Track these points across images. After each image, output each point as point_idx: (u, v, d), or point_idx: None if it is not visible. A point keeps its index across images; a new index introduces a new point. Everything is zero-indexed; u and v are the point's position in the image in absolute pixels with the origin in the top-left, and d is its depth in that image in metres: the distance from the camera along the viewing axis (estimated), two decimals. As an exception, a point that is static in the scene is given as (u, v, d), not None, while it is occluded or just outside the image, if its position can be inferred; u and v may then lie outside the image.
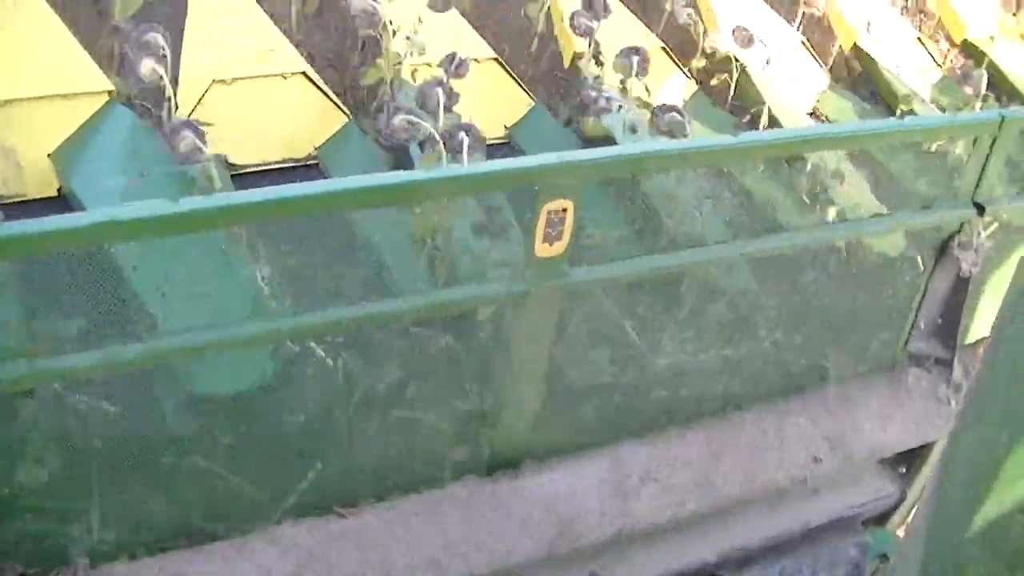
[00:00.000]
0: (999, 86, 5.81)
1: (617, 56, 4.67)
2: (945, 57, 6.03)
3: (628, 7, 5.30)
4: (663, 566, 3.96)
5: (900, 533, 4.57)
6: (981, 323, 4.45)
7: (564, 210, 3.05)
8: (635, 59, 4.62)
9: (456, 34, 4.72)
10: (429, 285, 3.63)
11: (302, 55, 4.48)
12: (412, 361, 3.32)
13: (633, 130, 4.43)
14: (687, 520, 3.80)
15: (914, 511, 2.41)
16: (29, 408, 2.96)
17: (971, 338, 4.46)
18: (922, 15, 6.22)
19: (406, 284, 3.50)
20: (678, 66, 5.07)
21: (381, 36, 4.38)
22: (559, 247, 3.11)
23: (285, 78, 4.31)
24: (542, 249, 3.10)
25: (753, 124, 5.09)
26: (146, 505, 3.13)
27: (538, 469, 3.60)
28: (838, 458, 3.99)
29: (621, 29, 5.08)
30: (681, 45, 5.37)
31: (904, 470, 4.57)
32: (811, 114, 5.37)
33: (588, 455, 3.70)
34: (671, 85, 5.08)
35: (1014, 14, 6.24)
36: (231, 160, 4.14)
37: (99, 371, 2.87)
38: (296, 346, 3.17)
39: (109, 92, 4.06)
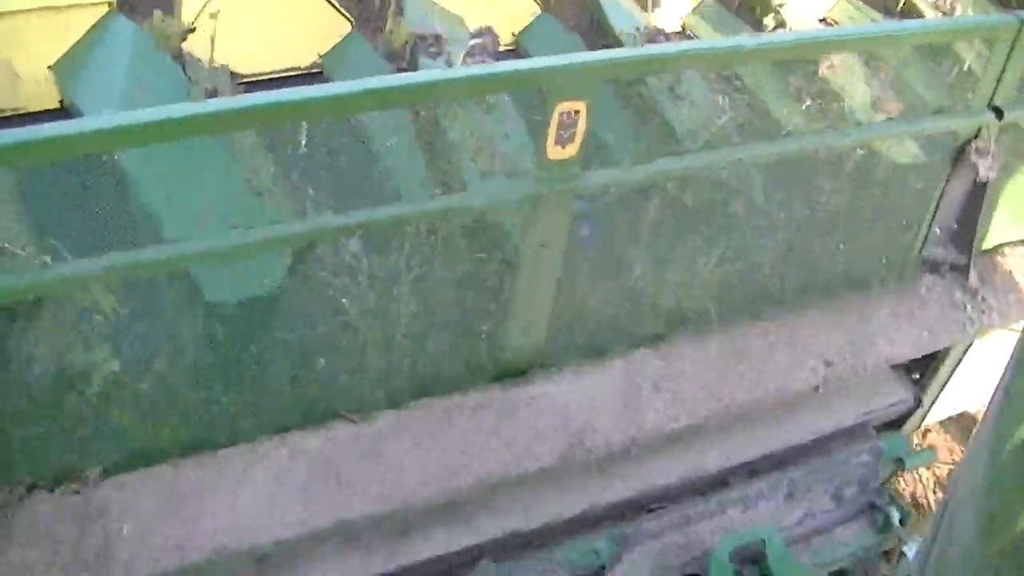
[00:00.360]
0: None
1: None
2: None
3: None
4: (674, 476, 3.97)
5: (915, 439, 4.58)
6: (997, 229, 4.42)
7: (576, 112, 3.00)
8: None
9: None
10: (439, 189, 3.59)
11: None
12: (422, 267, 3.28)
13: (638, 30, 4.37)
14: (698, 429, 3.78)
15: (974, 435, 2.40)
16: (35, 319, 2.94)
17: (987, 244, 4.42)
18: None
19: (416, 189, 3.46)
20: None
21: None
22: (571, 149, 3.07)
23: (287, -13, 4.24)
24: (554, 152, 3.05)
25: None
26: (158, 415, 3.12)
27: (549, 378, 3.58)
28: (851, 364, 3.96)
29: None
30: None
31: (918, 376, 4.56)
32: (822, 20, 5.28)
33: (599, 364, 3.68)
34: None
35: None
36: (235, 69, 4.09)
37: (104, 281, 2.83)
38: (305, 251, 3.14)
39: (109, 3, 3.99)
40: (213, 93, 3.86)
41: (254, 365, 3.19)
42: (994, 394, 2.46)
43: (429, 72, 3.36)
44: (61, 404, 2.99)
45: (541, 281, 3.37)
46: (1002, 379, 2.36)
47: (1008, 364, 2.34)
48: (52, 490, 3.00)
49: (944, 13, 5.35)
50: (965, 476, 2.46)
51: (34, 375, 2.95)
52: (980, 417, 5.70)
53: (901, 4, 5.36)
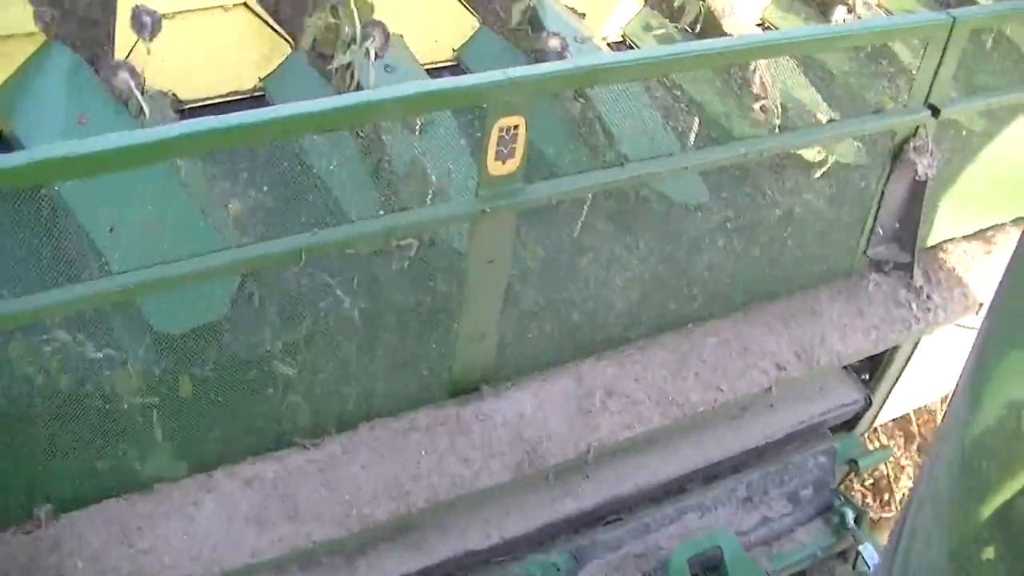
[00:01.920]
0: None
1: None
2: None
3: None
4: (630, 484, 3.96)
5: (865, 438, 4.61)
6: (939, 226, 4.46)
7: (516, 127, 3.00)
8: None
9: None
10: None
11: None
12: (369, 287, 3.28)
13: (581, 41, 4.37)
14: (652, 436, 3.79)
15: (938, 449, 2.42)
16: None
17: (930, 242, 4.46)
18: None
19: (359, 209, 3.45)
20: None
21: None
22: (512, 164, 3.07)
23: (226, 10, 4.22)
24: (495, 167, 3.05)
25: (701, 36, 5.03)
26: (108, 448, 3.10)
27: (501, 392, 3.59)
28: (802, 366, 3.99)
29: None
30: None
31: (868, 376, 4.59)
32: (759, 25, 5.31)
33: (550, 375, 3.69)
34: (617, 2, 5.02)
35: None
36: (177, 95, 4.07)
37: (47, 313, 2.82)
38: (251, 277, 3.13)
39: (47, 33, 3.96)
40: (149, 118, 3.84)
41: (203, 393, 3.17)
42: (954, 392, 2.48)
43: (366, 92, 3.35)
44: (8, 443, 2.97)
45: (489, 296, 3.37)
46: (962, 376, 2.38)
47: (967, 362, 2.35)
48: (3, 530, 2.97)
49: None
50: (929, 476, 2.47)
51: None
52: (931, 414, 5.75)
53: None
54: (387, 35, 3.98)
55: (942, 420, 2.80)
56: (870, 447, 5.54)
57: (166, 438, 3.17)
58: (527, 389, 3.61)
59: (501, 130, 2.99)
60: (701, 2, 5.01)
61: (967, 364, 2.33)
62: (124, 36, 4.04)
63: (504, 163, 3.06)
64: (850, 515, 4.32)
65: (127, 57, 3.96)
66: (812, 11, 5.32)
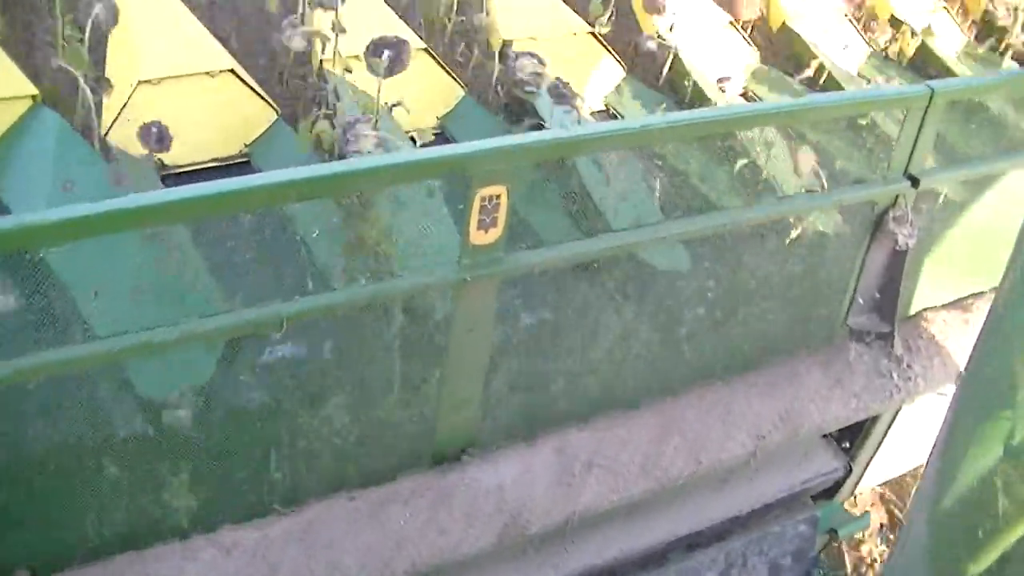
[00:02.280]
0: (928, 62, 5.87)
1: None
2: (872, 33, 6.06)
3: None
4: (611, 552, 3.96)
5: (847, 506, 4.61)
6: (919, 295, 4.49)
7: (498, 196, 3.03)
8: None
9: (384, 25, 4.68)
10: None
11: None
12: (352, 355, 3.29)
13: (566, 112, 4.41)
14: (634, 504, 3.79)
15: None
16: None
17: (911, 311, 4.49)
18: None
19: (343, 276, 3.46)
20: (607, 50, 5.05)
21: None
22: (494, 234, 3.09)
23: (212, 76, 4.25)
24: (477, 236, 3.08)
25: (685, 105, 5.09)
26: (88, 513, 3.09)
27: (483, 459, 3.58)
28: (782, 435, 4.00)
29: (543, 11, 5.10)
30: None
31: (848, 444, 4.60)
32: (742, 95, 5.37)
33: (532, 443, 3.68)
34: (601, 69, 5.07)
35: None
36: (162, 160, 4.08)
37: (31, 376, 2.82)
38: (235, 343, 3.14)
39: (34, 96, 3.99)
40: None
41: (185, 458, 3.17)
42: (927, 462, 2.50)
43: (351, 161, 3.38)
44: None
45: (471, 364, 3.38)
46: (934, 446, 2.40)
47: (939, 433, 2.38)
48: None
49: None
50: (901, 546, 2.49)
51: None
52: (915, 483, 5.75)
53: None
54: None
55: (915, 490, 2.82)
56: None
57: (146, 503, 3.16)
58: (509, 457, 3.61)
59: (483, 199, 3.01)
60: (687, 77, 5.08)
61: (938, 435, 2.35)
62: (113, 97, 4.08)
63: (486, 232, 3.08)
64: (831, 584, 4.33)
65: (114, 122, 4.00)
66: (795, 83, 5.39)
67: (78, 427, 3.03)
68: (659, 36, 5.22)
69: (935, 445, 2.39)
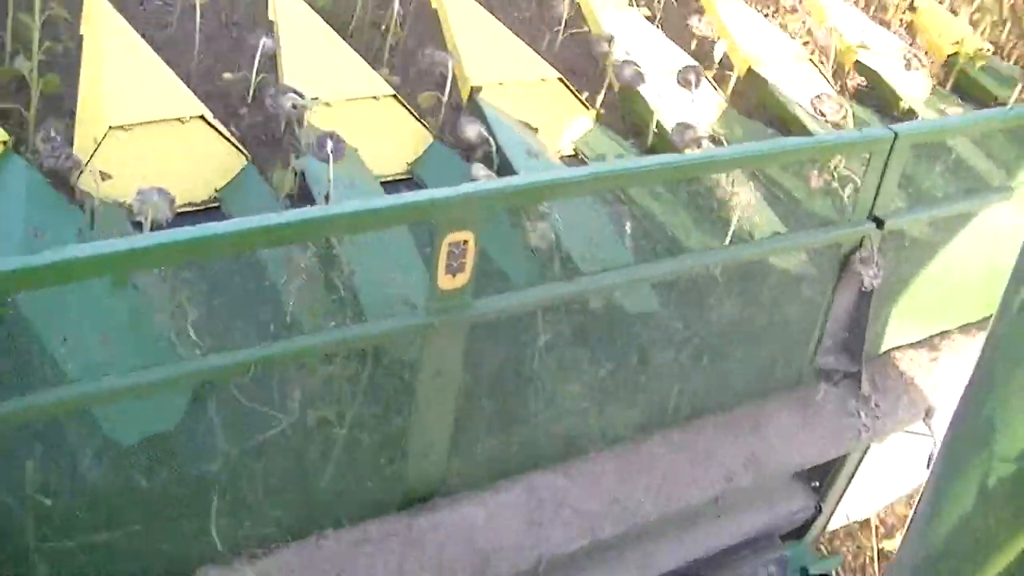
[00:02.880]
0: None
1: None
2: (836, 73, 6.13)
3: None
4: (583, 594, 3.97)
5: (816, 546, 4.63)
6: (886, 334, 4.53)
7: (465, 242, 3.06)
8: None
9: (354, 71, 4.73)
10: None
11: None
12: (320, 399, 3.30)
13: (534, 156, 4.45)
14: (603, 545, 3.81)
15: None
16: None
17: (877, 350, 4.53)
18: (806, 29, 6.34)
19: (311, 321, 3.48)
20: (575, 96, 5.10)
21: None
22: (462, 279, 3.12)
23: (183, 122, 4.28)
24: (445, 281, 3.10)
25: (651, 150, 5.14)
26: (53, 558, 3.08)
27: (453, 502, 3.59)
28: (751, 475, 4.02)
29: (512, 57, 5.15)
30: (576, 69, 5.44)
31: (817, 483, 4.63)
32: (710, 138, 5.42)
33: (502, 485, 3.70)
34: (570, 115, 5.12)
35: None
36: (132, 207, 4.09)
37: (3, 423, 2.83)
38: (204, 387, 3.15)
39: (3, 142, 4.01)
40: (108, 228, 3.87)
41: (154, 502, 3.17)
42: (918, 503, 2.51)
43: (321, 208, 3.41)
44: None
45: (439, 407, 3.40)
46: (925, 488, 2.41)
47: (929, 475, 2.39)
48: None
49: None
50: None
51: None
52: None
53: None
54: (341, 144, 4.05)
55: (904, 532, 2.83)
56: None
57: (115, 547, 3.16)
58: (479, 499, 3.62)
59: (451, 245, 3.04)
60: (653, 121, 5.14)
61: (929, 477, 2.37)
62: (82, 142, 4.09)
63: (454, 277, 3.10)
64: (801, 626, 4.35)
65: (85, 166, 4.01)
66: (758, 125, 5.45)
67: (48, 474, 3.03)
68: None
69: (924, 488, 2.40)
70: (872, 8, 6.82)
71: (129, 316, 3.47)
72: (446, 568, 3.45)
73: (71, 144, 4.12)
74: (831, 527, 4.93)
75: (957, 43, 6.36)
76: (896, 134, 3.91)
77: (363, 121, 4.47)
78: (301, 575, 3.28)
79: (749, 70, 5.76)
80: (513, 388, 3.68)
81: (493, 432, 3.69)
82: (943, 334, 4.83)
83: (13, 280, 2.62)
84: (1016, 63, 6.66)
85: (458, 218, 3.02)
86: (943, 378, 4.58)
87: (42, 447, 3.01)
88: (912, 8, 6.86)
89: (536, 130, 4.78)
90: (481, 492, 3.65)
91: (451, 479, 3.60)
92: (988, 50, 6.39)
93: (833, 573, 5.76)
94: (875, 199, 4.05)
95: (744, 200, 4.37)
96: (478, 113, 4.72)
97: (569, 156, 5.05)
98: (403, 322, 3.24)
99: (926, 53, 6.56)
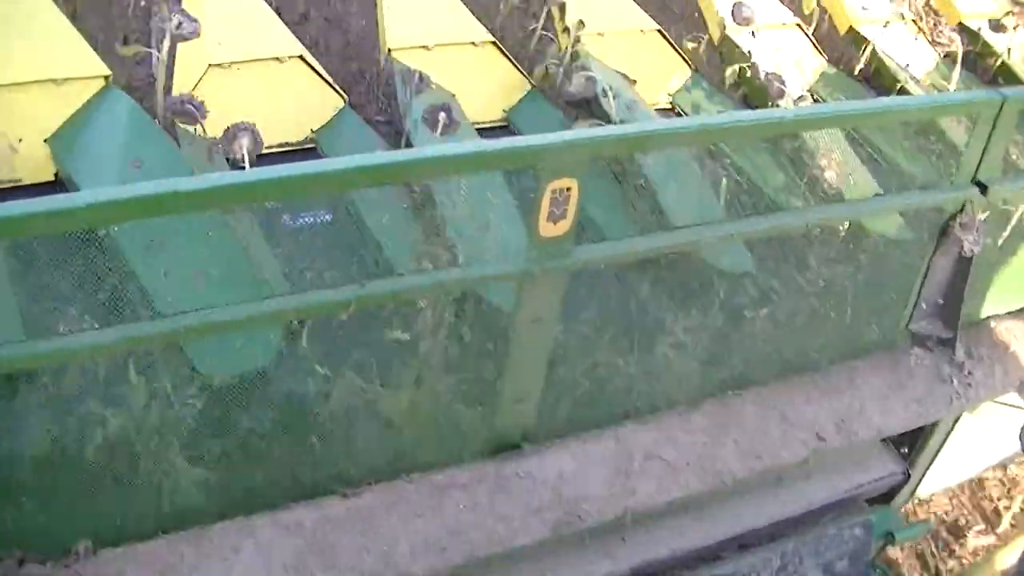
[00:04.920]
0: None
1: None
2: (935, 39, 6.01)
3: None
4: (666, 549, 3.95)
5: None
6: (983, 303, 4.45)
7: (568, 189, 3.03)
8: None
9: (455, 17, 4.71)
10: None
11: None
12: (416, 342, 3.30)
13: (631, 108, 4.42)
14: (690, 501, 3.79)
15: None
16: (30, 392, 2.95)
17: (973, 318, 4.45)
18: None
19: (409, 263, 3.49)
20: (673, 48, 5.05)
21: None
22: (563, 226, 3.09)
23: (281, 61, 4.29)
24: (546, 228, 3.08)
25: (749, 105, 5.08)
26: (150, 489, 3.12)
27: (541, 451, 3.59)
28: (841, 438, 3.97)
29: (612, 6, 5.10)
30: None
31: (907, 449, 4.57)
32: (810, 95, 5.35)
33: (591, 437, 3.68)
34: (667, 67, 5.07)
35: None
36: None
37: (99, 353, 2.85)
38: (300, 326, 3.16)
39: (106, 77, 4.04)
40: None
41: (247, 439, 3.20)
42: None
43: (421, 149, 3.39)
44: (53, 477, 2.99)
45: (533, 356, 3.38)
46: None
47: None
48: (44, 563, 2.99)
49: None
50: None
51: (29, 446, 2.96)
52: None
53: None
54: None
55: None
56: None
57: (208, 480, 3.19)
58: (567, 449, 3.61)
59: (553, 192, 3.01)
60: (749, 73, 5.07)
61: None
62: (182, 81, 4.11)
63: (556, 224, 3.08)
64: (885, 588, 4.31)
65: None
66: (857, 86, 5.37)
67: (142, 406, 3.06)
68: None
69: None
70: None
71: (226, 251, 3.50)
72: (532, 515, 3.44)
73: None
74: (919, 494, 4.87)
75: None
76: (1004, 99, 3.82)
77: (461, 66, 4.46)
78: (388, 515, 3.30)
79: (850, 28, 5.66)
80: (606, 340, 3.66)
81: (585, 382, 3.68)
82: (1042, 304, 4.74)
83: (112, 211, 2.62)
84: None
85: (562, 165, 2.99)
86: (1040, 349, 4.51)
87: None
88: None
89: (634, 82, 4.73)
90: (570, 442, 3.64)
91: (542, 427, 3.59)
92: None
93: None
94: (979, 164, 3.96)
95: (844, 160, 4.31)
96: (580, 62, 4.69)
97: (665, 109, 5.01)
98: (504, 268, 3.22)
99: None
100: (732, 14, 5.16)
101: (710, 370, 3.93)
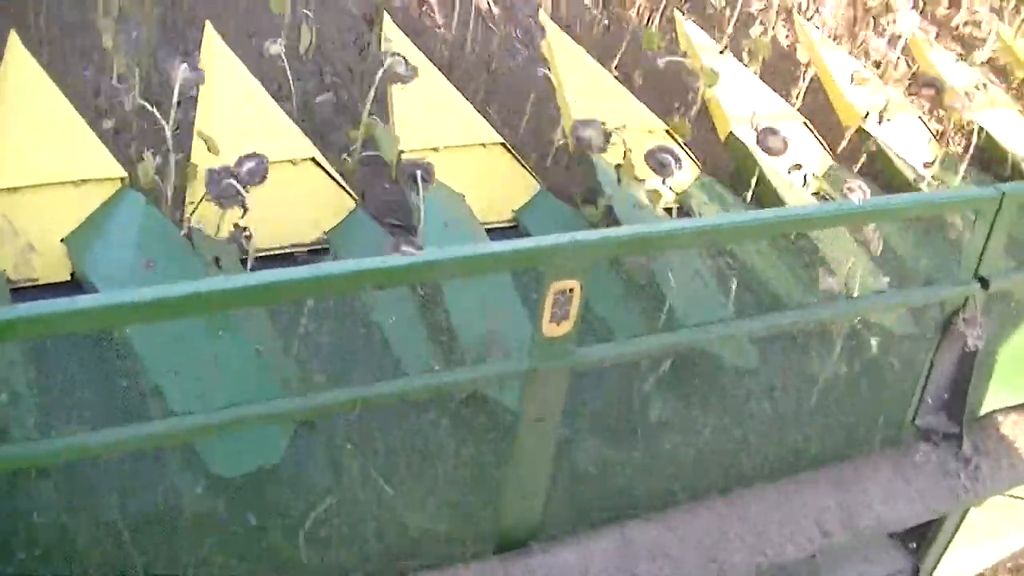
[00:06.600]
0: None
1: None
2: (943, 134, 6.06)
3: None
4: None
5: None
6: (989, 396, 4.47)
7: (571, 290, 3.08)
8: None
9: (464, 119, 4.79)
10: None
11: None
12: (419, 441, 3.34)
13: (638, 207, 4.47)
14: (698, 598, 3.79)
15: None
16: (40, 488, 3.00)
17: (979, 412, 4.47)
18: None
19: (413, 364, 3.53)
20: (681, 146, 5.12)
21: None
22: (566, 326, 3.14)
23: (295, 164, 4.37)
24: (549, 328, 3.12)
25: (757, 204, 5.13)
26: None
27: (547, 549, 3.59)
28: (847, 533, 3.98)
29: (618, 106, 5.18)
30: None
31: (915, 544, 4.56)
32: (815, 194, 5.40)
33: (596, 534, 3.69)
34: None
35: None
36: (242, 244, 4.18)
37: (110, 451, 2.90)
38: (306, 425, 3.20)
39: (122, 179, 4.12)
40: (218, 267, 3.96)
41: (253, 535, 3.23)
42: None
43: (429, 252, 3.45)
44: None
45: (538, 454, 3.41)
46: None
47: None
48: None
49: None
50: None
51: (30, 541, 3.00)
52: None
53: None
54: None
55: None
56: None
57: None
58: (573, 546, 3.62)
59: (557, 292, 3.06)
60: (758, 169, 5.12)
61: None
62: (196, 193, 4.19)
63: (559, 324, 3.12)
64: None
65: (198, 204, 4.11)
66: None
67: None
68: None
69: None
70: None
71: (237, 351, 3.54)
72: (539, 614, 3.45)
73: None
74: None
75: None
76: (1003, 194, 3.87)
77: (471, 167, 4.53)
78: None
79: (859, 128, 5.71)
80: (612, 437, 3.69)
81: (589, 480, 3.70)
82: (1048, 397, 4.75)
83: (126, 312, 2.67)
84: None
85: (565, 266, 3.04)
86: (1048, 442, 4.51)
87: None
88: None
89: (642, 181, 4.79)
90: (575, 539, 3.65)
91: (546, 525, 3.61)
92: None
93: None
94: (980, 258, 4.01)
95: (846, 256, 4.36)
96: (587, 163, 4.75)
97: (672, 208, 5.06)
98: (507, 367, 3.26)
99: None
100: (758, 141, 5.17)
101: (714, 465, 3.95)
